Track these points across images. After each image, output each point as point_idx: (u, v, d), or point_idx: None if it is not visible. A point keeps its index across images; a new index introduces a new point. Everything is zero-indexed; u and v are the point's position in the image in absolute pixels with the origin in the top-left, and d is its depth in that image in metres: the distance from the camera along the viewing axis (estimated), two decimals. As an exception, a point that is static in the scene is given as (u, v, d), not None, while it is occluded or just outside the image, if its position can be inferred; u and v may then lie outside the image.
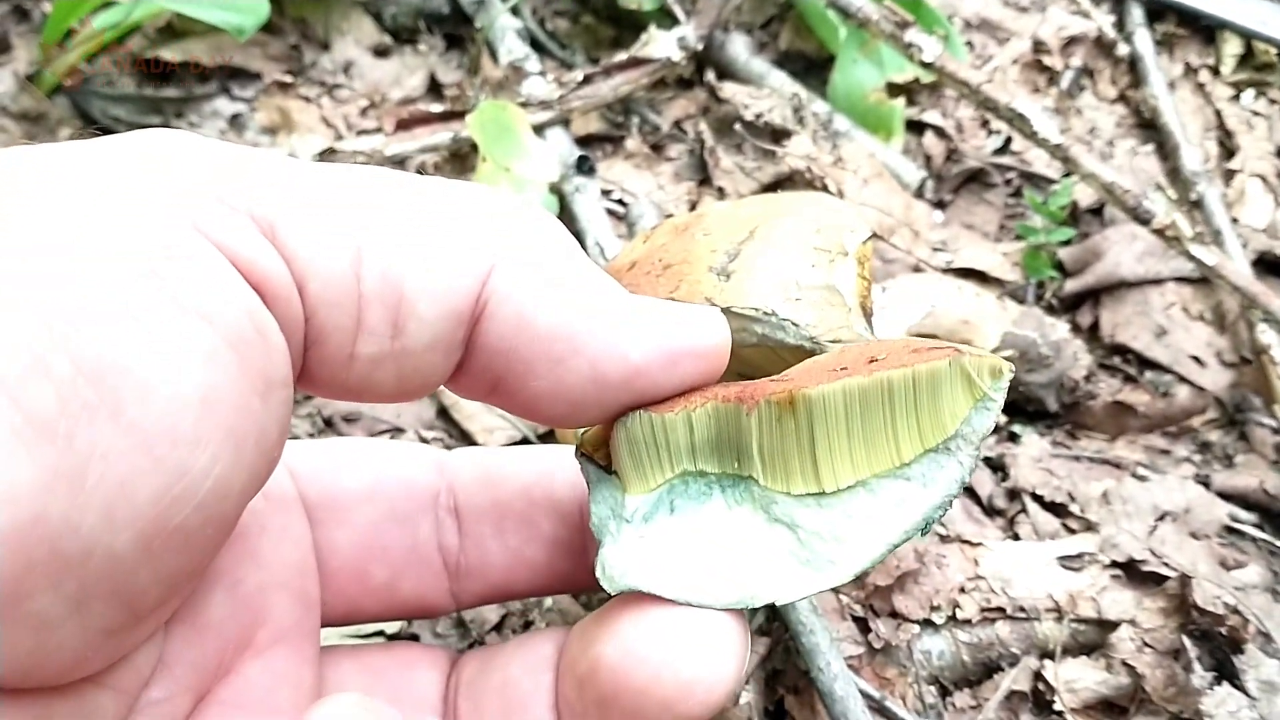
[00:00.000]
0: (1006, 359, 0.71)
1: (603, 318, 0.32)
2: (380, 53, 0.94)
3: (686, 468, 0.34)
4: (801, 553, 0.32)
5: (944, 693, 0.57)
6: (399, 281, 0.29)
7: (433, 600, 0.41)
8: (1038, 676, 0.56)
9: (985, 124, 0.93)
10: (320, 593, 0.39)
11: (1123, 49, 0.97)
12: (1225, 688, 0.52)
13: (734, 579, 0.32)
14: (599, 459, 0.36)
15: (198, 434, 0.25)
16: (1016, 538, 0.64)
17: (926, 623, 0.58)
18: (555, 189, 0.79)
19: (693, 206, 0.83)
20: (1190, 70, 0.98)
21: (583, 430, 0.37)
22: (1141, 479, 0.68)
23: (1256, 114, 0.94)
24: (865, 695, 0.54)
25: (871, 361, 0.32)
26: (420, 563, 0.41)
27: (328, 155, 0.78)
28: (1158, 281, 0.79)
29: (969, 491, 0.66)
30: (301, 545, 0.38)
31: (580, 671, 0.33)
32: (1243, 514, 0.67)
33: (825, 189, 0.81)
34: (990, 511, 0.66)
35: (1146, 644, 0.56)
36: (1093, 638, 0.57)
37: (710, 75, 0.92)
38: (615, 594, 0.33)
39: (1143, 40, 0.96)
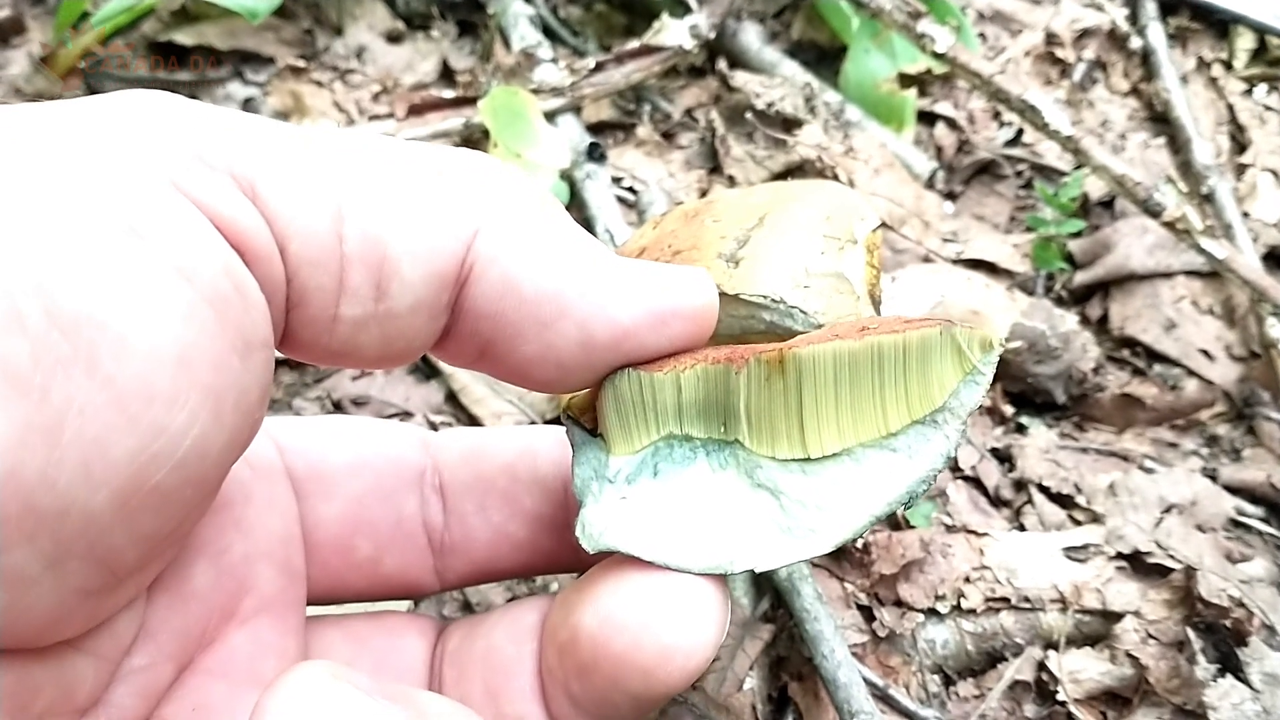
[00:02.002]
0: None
1: (591, 280, 0.32)
2: (393, 38, 0.94)
3: (672, 430, 0.34)
4: (783, 520, 0.32)
5: (948, 682, 0.57)
6: (382, 242, 0.29)
7: (417, 577, 0.41)
8: (1041, 667, 0.56)
9: (997, 115, 0.93)
10: (306, 567, 0.39)
11: (1135, 42, 0.97)
12: (1229, 680, 0.52)
13: (714, 544, 0.32)
14: (585, 422, 0.36)
15: (175, 392, 0.25)
16: (1022, 528, 0.64)
17: (931, 612, 0.58)
18: (566, 176, 0.80)
19: (703, 194, 0.83)
20: (1203, 64, 0.97)
21: (570, 395, 0.37)
22: (1148, 471, 0.68)
23: (1269, 109, 0.93)
24: (869, 683, 0.54)
25: (863, 330, 0.32)
26: (405, 539, 0.41)
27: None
28: (1167, 275, 0.79)
29: (975, 482, 0.67)
30: (287, 516, 0.38)
31: (561, 639, 0.33)
32: (1249, 507, 0.67)
33: (836, 178, 0.81)
34: (996, 502, 0.66)
35: (1151, 636, 0.56)
36: (1097, 629, 0.57)
37: (722, 64, 0.92)
38: (594, 553, 0.33)
39: (1156, 34, 0.96)
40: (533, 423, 0.67)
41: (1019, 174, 0.89)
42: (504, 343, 0.32)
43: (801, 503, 0.32)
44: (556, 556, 0.41)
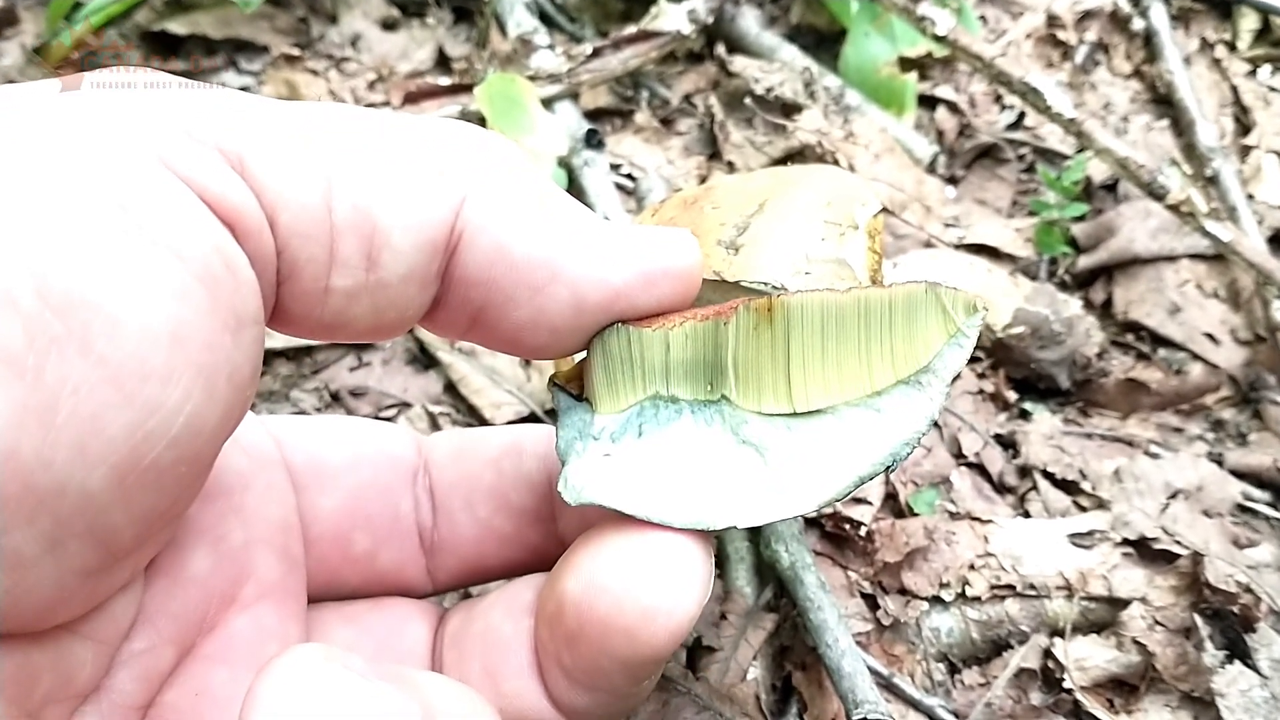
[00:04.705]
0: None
1: (581, 243, 0.32)
2: (388, 25, 0.93)
3: (659, 390, 0.34)
4: (768, 478, 0.32)
5: (953, 670, 0.57)
6: (371, 212, 0.29)
7: (410, 576, 0.41)
8: (1047, 654, 0.56)
9: (998, 99, 0.92)
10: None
11: (1138, 23, 0.96)
12: (1237, 666, 0.52)
13: (697, 500, 0.32)
14: (571, 389, 0.36)
15: (169, 369, 0.25)
16: (1027, 515, 0.64)
17: (936, 600, 0.57)
18: (564, 163, 0.79)
19: (702, 180, 0.83)
20: (1206, 45, 0.97)
21: (558, 361, 0.37)
22: (1154, 457, 0.68)
23: (1273, 90, 0.92)
24: (873, 672, 0.53)
25: (853, 288, 0.32)
26: (401, 536, 0.41)
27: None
28: (1172, 258, 0.78)
29: (979, 468, 0.66)
30: (285, 505, 0.38)
31: (549, 611, 0.33)
32: (1256, 492, 0.66)
33: (836, 163, 0.80)
34: (1001, 489, 0.66)
35: (1158, 622, 0.55)
36: (1103, 616, 0.57)
37: (720, 49, 0.91)
38: (575, 505, 0.33)
39: (1158, 15, 0.95)
40: (532, 412, 0.66)
41: (1021, 158, 0.89)
42: (495, 309, 0.32)
43: (786, 460, 0.32)
44: (544, 552, 0.41)
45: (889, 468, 0.32)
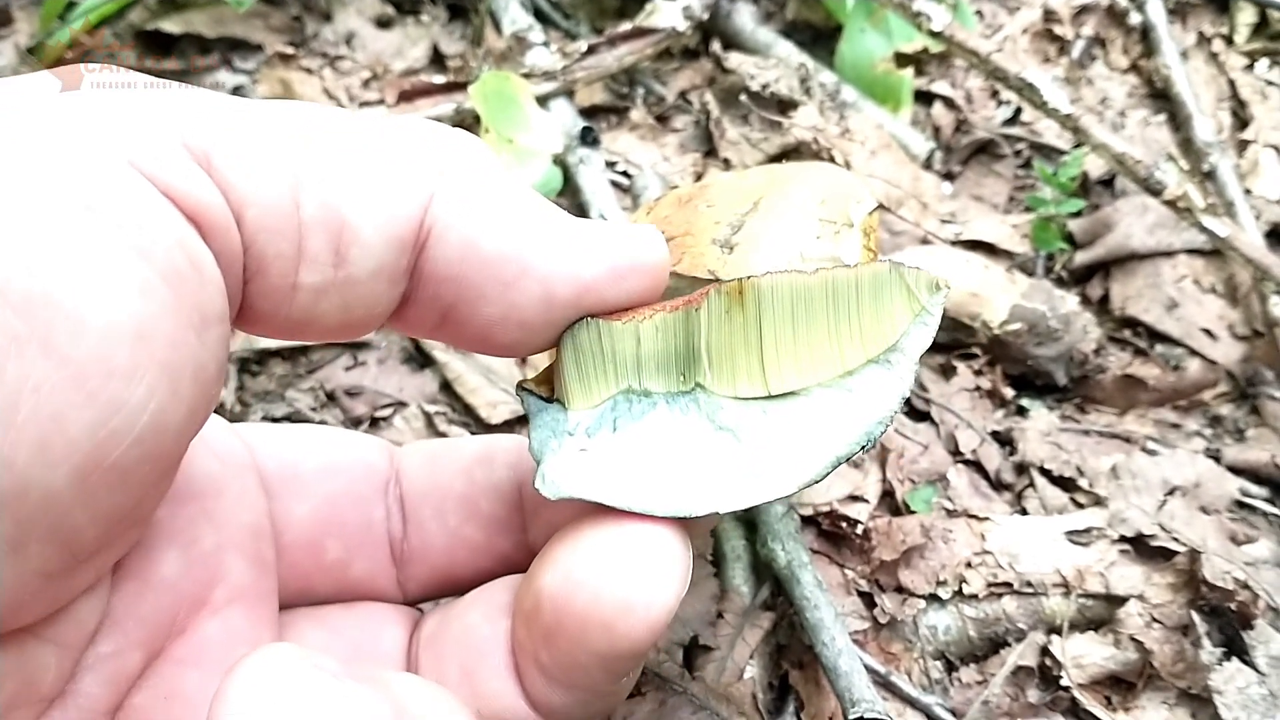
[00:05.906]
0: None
1: (550, 238, 0.32)
2: (383, 23, 0.93)
3: (631, 384, 0.34)
4: (746, 463, 0.32)
5: (950, 668, 0.56)
6: (339, 208, 0.29)
7: (381, 586, 0.41)
8: (1045, 652, 0.56)
9: (995, 94, 0.92)
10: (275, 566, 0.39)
11: (1135, 18, 0.96)
12: (1235, 663, 0.52)
13: (676, 489, 0.32)
14: (541, 393, 0.36)
15: (132, 367, 0.25)
16: (1024, 512, 0.63)
17: (933, 598, 0.57)
18: (559, 160, 0.79)
19: (698, 178, 0.83)
20: (1203, 39, 0.96)
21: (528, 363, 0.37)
22: (1151, 453, 0.67)
23: (1270, 84, 0.92)
24: (870, 670, 0.53)
25: (820, 269, 0.33)
26: (373, 545, 0.41)
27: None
28: (1169, 254, 0.78)
29: (976, 466, 0.66)
30: (257, 510, 0.38)
31: (526, 608, 0.33)
32: (1253, 488, 0.66)
33: (832, 160, 0.80)
34: (998, 486, 0.65)
35: (1155, 619, 0.55)
36: (1100, 613, 0.57)
37: (716, 45, 0.91)
38: (555, 500, 0.33)
39: (1155, 9, 0.94)
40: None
41: (1018, 153, 0.88)
42: (466, 305, 0.33)
43: (764, 444, 0.32)
44: (514, 561, 0.41)
45: (864, 447, 0.32)
